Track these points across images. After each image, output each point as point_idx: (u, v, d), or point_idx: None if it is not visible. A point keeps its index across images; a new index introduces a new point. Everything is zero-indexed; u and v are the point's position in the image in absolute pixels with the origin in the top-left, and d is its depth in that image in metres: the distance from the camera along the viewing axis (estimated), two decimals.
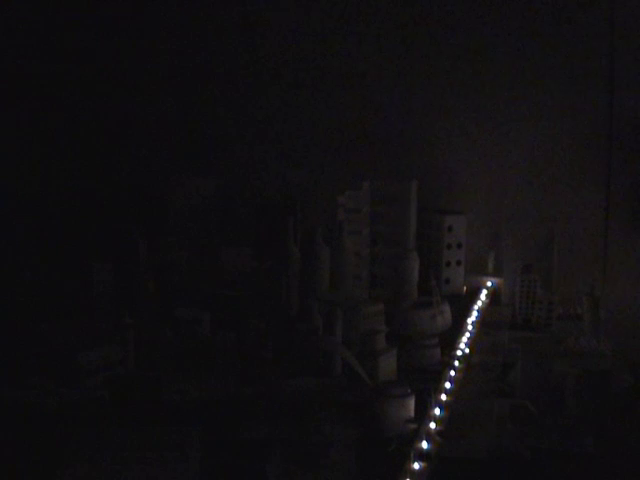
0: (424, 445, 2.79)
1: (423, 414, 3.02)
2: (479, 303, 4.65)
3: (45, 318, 3.95)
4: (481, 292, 4.89)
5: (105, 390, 3.23)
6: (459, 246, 4.96)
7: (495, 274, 5.20)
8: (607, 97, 5.22)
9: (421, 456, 2.72)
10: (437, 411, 3.04)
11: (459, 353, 3.77)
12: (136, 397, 3.29)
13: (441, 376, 3.46)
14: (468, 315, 4.39)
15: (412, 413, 2.98)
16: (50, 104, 5.43)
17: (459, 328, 4.12)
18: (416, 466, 2.69)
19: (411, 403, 2.99)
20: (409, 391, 2.99)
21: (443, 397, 3.21)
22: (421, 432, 2.90)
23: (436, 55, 5.32)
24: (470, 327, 4.19)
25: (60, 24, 5.43)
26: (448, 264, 4.98)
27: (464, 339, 3.99)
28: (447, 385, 3.36)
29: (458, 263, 4.97)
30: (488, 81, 5.32)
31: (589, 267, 5.25)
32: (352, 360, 3.32)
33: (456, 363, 3.64)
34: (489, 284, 5.05)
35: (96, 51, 5.54)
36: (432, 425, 2.97)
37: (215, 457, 2.77)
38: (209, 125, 5.56)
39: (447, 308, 4.05)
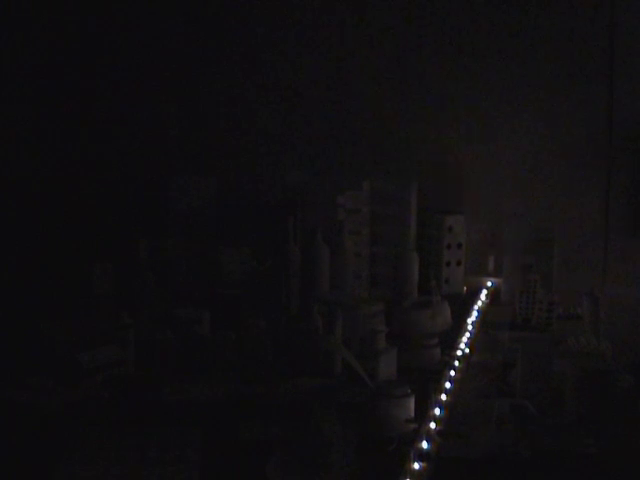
0: (424, 445, 2.79)
1: (423, 414, 3.02)
2: (479, 303, 4.65)
3: (45, 318, 3.95)
4: (481, 292, 4.89)
5: (105, 390, 3.23)
6: (459, 246, 4.96)
7: (495, 274, 5.20)
8: (607, 97, 5.22)
9: (421, 456, 2.72)
10: (437, 411, 3.04)
11: (459, 353, 3.77)
12: (136, 397, 3.29)
13: (441, 376, 3.46)
14: (468, 315, 4.39)
15: (412, 413, 2.99)
16: (49, 103, 5.43)
17: (459, 328, 4.12)
18: (416, 466, 2.69)
19: (411, 403, 2.99)
20: (409, 391, 3.00)
21: (443, 397, 3.21)
22: (421, 432, 2.90)
23: (436, 55, 5.32)
24: (470, 327, 4.19)
25: (60, 22, 5.44)
26: (448, 264, 4.98)
27: (464, 339, 3.99)
28: (447, 385, 3.36)
29: (458, 263, 4.97)
30: (488, 81, 5.32)
31: (589, 267, 5.25)
32: (353, 361, 3.33)
33: (456, 363, 3.64)
34: (489, 284, 5.06)
35: (95, 50, 5.54)
36: (432, 425, 2.97)
37: (215, 457, 2.77)
38: (209, 125, 5.56)
39: (447, 308, 4.06)
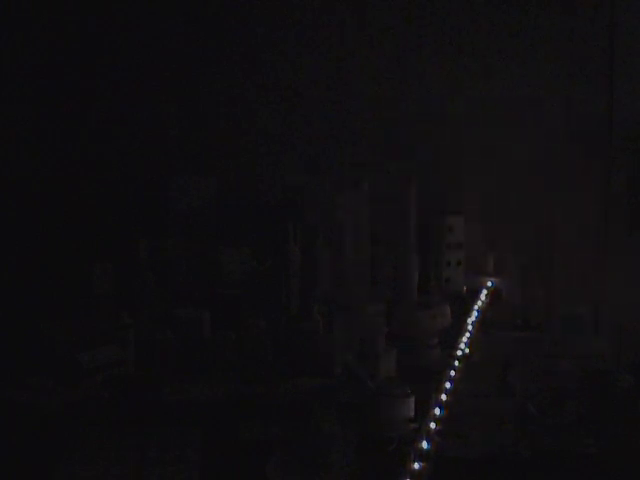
0: (424, 445, 2.79)
1: (423, 414, 3.02)
2: (479, 303, 4.65)
3: (45, 318, 3.95)
4: (481, 292, 4.89)
5: (105, 390, 3.22)
6: (459, 246, 4.96)
7: (495, 274, 5.20)
8: (607, 97, 5.22)
9: (421, 456, 2.72)
10: (437, 411, 3.04)
11: (459, 353, 3.77)
12: (136, 397, 3.30)
13: (441, 376, 3.46)
14: (468, 315, 4.39)
15: (412, 413, 2.98)
16: (49, 103, 5.42)
17: (459, 328, 4.12)
18: (416, 466, 2.69)
19: (411, 403, 2.99)
20: (409, 391, 2.99)
21: (443, 397, 3.21)
22: (421, 432, 2.90)
23: (436, 55, 5.32)
24: (470, 327, 4.19)
25: (60, 22, 5.43)
26: (448, 264, 4.98)
27: (464, 339, 3.99)
28: (447, 385, 3.36)
29: (458, 263, 4.97)
30: (488, 81, 5.32)
31: (589, 267, 5.25)
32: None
33: (456, 363, 3.64)
34: (489, 284, 5.05)
35: (95, 50, 5.54)
36: (432, 425, 2.97)
37: (215, 457, 2.77)
38: (209, 125, 5.55)
39: (447, 308, 4.06)
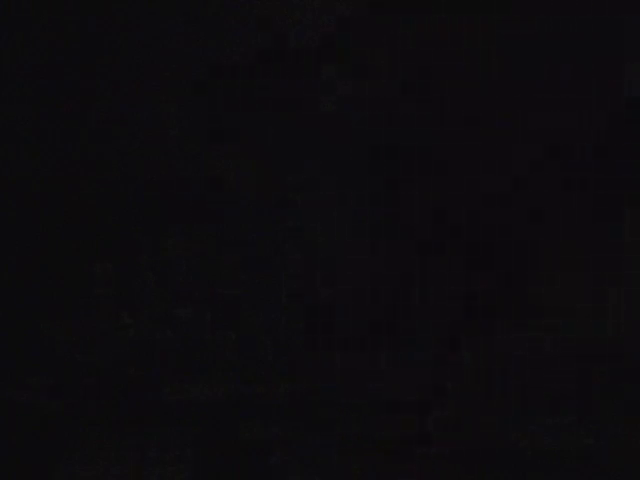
0: (425, 445, 2.79)
1: (425, 412, 3.02)
2: None
3: (45, 318, 3.96)
4: None
5: (105, 390, 3.23)
6: None
7: None
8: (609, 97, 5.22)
9: (421, 455, 2.72)
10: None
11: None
12: (136, 397, 3.30)
13: (441, 376, 3.46)
14: None
15: (412, 413, 2.98)
16: (49, 103, 5.43)
17: None
18: (416, 466, 2.69)
19: (411, 403, 2.99)
20: (410, 391, 2.99)
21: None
22: (422, 431, 2.91)
23: (433, 55, 5.33)
24: None
25: (60, 22, 5.44)
26: None
27: None
28: (447, 385, 3.36)
29: None
30: (488, 84, 5.33)
31: (589, 267, 5.26)
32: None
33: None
34: None
35: (95, 50, 5.55)
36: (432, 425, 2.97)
37: (214, 457, 2.77)
38: (209, 125, 5.56)
39: None
